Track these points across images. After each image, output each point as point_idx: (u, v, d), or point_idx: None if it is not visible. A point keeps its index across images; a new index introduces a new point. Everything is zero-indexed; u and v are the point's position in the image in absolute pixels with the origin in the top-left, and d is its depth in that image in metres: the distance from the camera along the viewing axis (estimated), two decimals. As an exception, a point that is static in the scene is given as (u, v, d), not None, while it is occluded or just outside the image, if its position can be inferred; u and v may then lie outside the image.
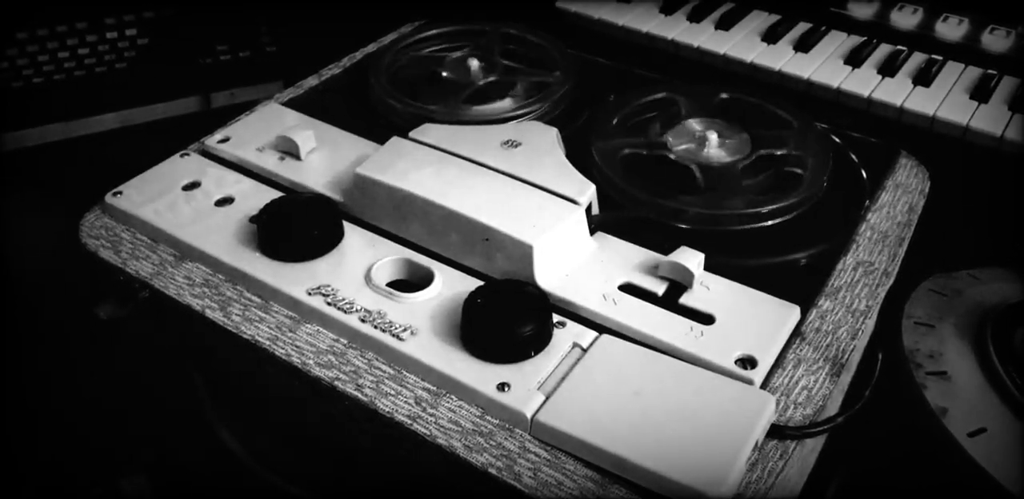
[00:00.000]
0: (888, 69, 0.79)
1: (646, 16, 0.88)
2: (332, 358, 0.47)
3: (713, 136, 0.58)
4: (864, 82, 0.78)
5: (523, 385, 0.44)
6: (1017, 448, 0.58)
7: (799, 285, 0.51)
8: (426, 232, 0.52)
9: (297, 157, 0.59)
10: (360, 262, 0.51)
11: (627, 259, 0.52)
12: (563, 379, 0.44)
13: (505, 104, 0.64)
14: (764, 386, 0.45)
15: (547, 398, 0.43)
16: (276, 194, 0.55)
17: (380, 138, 0.58)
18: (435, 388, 0.45)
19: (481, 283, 0.48)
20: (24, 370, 0.76)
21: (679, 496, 0.39)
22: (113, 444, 0.71)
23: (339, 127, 0.62)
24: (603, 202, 0.54)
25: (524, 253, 0.49)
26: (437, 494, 0.49)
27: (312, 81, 0.70)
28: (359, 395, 0.45)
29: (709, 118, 0.61)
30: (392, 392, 0.45)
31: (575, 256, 0.51)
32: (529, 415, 0.43)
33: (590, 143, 0.57)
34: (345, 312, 0.48)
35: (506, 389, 0.44)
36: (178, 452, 0.69)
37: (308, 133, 0.59)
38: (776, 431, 0.43)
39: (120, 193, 0.56)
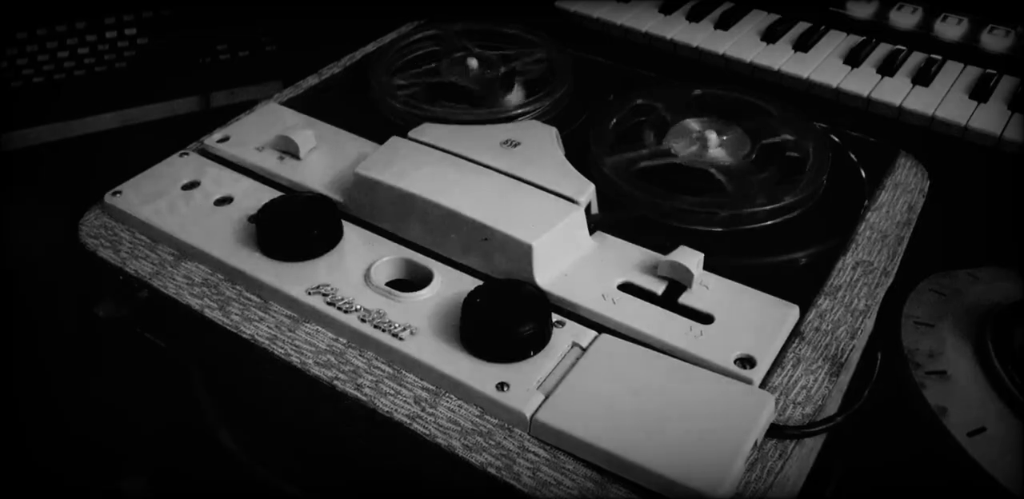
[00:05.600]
0: (887, 69, 0.79)
1: (645, 15, 0.88)
2: (331, 358, 0.47)
3: (712, 135, 0.58)
4: (863, 81, 0.78)
5: (522, 384, 0.44)
6: (1017, 447, 0.58)
7: (798, 284, 0.51)
8: (425, 232, 0.52)
9: (296, 157, 0.59)
10: (359, 262, 0.51)
11: (626, 258, 0.52)
12: (562, 378, 0.44)
13: (507, 101, 0.64)
14: (763, 385, 0.45)
15: (546, 397, 0.43)
16: (275, 194, 0.55)
17: (379, 138, 0.58)
18: (434, 387, 0.45)
19: (480, 282, 0.48)
20: (23, 370, 0.75)
21: (678, 495, 0.39)
22: (113, 444, 0.71)
23: (339, 127, 0.62)
24: (602, 203, 0.54)
25: (523, 252, 0.49)
26: (436, 494, 0.49)
27: (312, 80, 0.70)
28: (358, 395, 0.45)
29: (702, 118, 0.61)
30: (391, 391, 0.45)
31: (574, 255, 0.51)
32: (528, 414, 0.43)
33: (598, 163, 0.56)
34: (344, 312, 0.48)
35: (505, 388, 0.44)
36: (178, 453, 0.69)
37: (307, 132, 0.59)
38: (775, 430, 0.43)
39: (119, 193, 0.56)
